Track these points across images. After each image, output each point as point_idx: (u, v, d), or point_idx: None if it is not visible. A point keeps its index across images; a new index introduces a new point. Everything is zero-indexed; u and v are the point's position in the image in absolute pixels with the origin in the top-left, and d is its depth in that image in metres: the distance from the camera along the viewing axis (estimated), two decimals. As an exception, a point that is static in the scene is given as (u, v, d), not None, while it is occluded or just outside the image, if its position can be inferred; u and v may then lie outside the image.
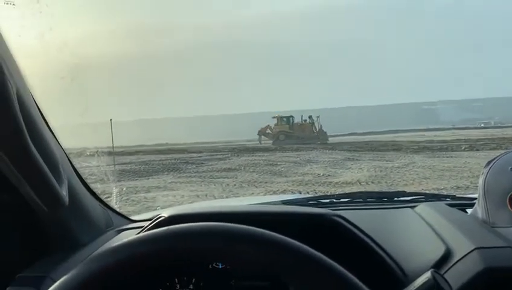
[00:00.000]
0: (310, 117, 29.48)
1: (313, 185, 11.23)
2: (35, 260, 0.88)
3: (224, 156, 19.58)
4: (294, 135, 28.07)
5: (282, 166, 15.01)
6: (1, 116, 0.57)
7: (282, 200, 1.37)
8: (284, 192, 9.94)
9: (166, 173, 14.68)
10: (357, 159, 16.10)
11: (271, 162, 15.96)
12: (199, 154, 20.77)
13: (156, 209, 1.33)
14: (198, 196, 10.20)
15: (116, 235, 1.07)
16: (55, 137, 0.91)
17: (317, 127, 28.75)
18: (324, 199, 1.37)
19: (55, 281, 0.63)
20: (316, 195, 1.74)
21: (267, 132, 29.73)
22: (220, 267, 0.96)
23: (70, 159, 0.98)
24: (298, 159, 16.91)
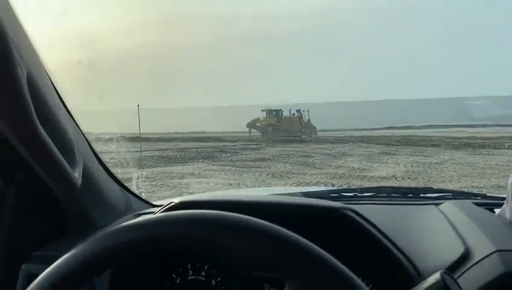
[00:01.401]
0: (297, 111, 29.92)
1: (347, 178, 11.08)
2: (51, 240, 0.90)
3: (258, 145, 19.63)
4: (281, 127, 28.73)
5: (316, 158, 14.88)
6: (9, 98, 0.58)
7: (303, 192, 1.35)
8: (316, 184, 9.87)
9: (201, 160, 14.90)
10: (393, 154, 15.72)
11: (305, 154, 15.86)
12: (233, 143, 20.92)
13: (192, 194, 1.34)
14: (230, 184, 10.31)
15: (135, 218, 1.08)
16: (74, 121, 0.92)
17: (304, 121, 29.14)
18: (347, 192, 1.34)
19: None
20: (340, 188, 1.70)
21: (257, 124, 30.54)
22: (232, 256, 0.95)
23: (90, 143, 1.00)
24: (333, 151, 16.71)
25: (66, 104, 0.86)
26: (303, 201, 0.96)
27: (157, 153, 15.92)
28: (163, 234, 0.51)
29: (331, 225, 0.84)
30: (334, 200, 1.14)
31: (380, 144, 19.33)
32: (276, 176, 11.56)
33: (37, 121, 0.63)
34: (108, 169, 1.06)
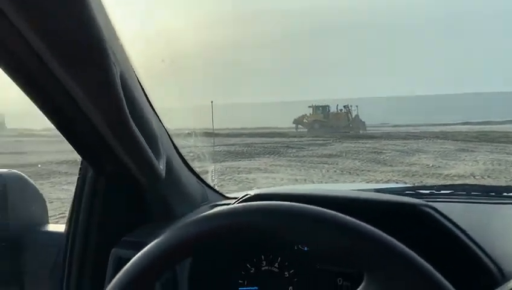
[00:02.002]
0: (345, 106, 29.09)
1: (420, 176, 10.59)
2: (136, 227, 0.97)
3: (325, 141, 19.37)
4: (328, 123, 28.26)
5: (387, 154, 14.38)
6: (106, 95, 0.64)
7: (376, 189, 1.32)
8: (387, 182, 9.54)
9: (267, 155, 15.02)
10: (471, 151, 14.74)
11: (375, 150, 15.39)
12: (300, 139, 20.83)
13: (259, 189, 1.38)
14: (297, 180, 10.29)
15: (210, 209, 1.13)
16: (157, 116, 0.99)
17: (352, 117, 28.34)
18: (423, 189, 1.29)
19: None
20: (415, 185, 1.64)
21: (303, 121, 30.11)
22: (306, 249, 0.96)
23: (171, 137, 1.05)
24: (405, 148, 16.04)
25: (150, 100, 0.92)
26: (379, 197, 0.95)
27: (225, 148, 16.29)
28: (247, 223, 0.54)
29: (408, 221, 0.82)
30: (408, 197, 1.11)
31: (456, 140, 18.23)
32: (344, 172, 11.35)
33: (129, 116, 0.68)
34: (186, 162, 1.12)
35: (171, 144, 1.04)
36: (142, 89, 0.87)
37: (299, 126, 30.26)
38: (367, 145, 17.20)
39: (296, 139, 20.45)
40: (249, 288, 0.97)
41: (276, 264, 0.97)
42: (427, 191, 1.24)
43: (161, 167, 0.82)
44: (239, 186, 9.62)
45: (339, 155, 14.42)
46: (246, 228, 0.56)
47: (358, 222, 0.51)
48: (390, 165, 12.32)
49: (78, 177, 0.95)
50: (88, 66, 0.60)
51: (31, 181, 1.06)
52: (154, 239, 0.89)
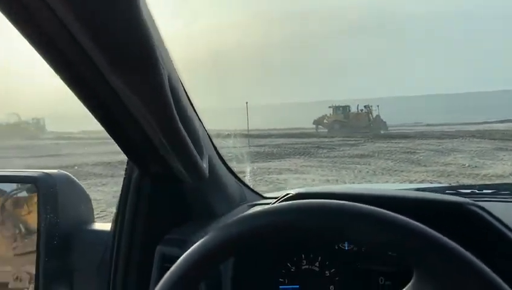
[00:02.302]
0: (365, 106, 28.84)
1: (456, 176, 10.28)
2: (178, 225, 1.00)
3: (356, 141, 19.12)
4: (348, 124, 27.97)
5: (421, 154, 14.05)
6: (156, 98, 0.66)
7: (416, 188, 1.30)
8: (421, 182, 9.32)
9: (297, 156, 14.97)
10: (511, 150, 14.20)
11: (408, 150, 15.07)
12: (331, 139, 20.64)
13: (286, 189, 1.39)
14: (328, 181, 10.20)
15: (249, 209, 1.15)
16: (197, 116, 1.01)
17: (372, 117, 28.04)
18: (464, 189, 1.26)
19: None
20: (455, 185, 1.60)
21: (324, 121, 29.88)
22: (346, 248, 0.96)
23: (211, 137, 1.07)
24: (440, 147, 15.62)
25: (192, 102, 0.94)
26: (424, 195, 0.93)
27: (255, 148, 16.34)
28: (294, 221, 0.54)
29: (455, 220, 0.80)
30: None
31: (493, 139, 17.60)
32: (376, 173, 11.16)
33: (177, 117, 0.70)
34: (225, 162, 1.14)
35: (211, 144, 1.06)
36: (184, 90, 0.90)
37: (319, 126, 30.22)
38: (400, 145, 16.86)
39: (326, 140, 20.29)
40: (290, 286, 0.98)
41: (317, 263, 0.98)
42: (469, 191, 1.21)
43: (205, 166, 0.84)
44: (269, 187, 9.62)
45: (371, 155, 14.20)
46: (298, 226, 0.57)
47: (408, 219, 0.50)
48: (425, 165, 12.03)
49: (124, 178, 0.98)
50: (139, 69, 0.62)
51: (78, 182, 1.10)
52: (196, 237, 0.92)
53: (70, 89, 0.72)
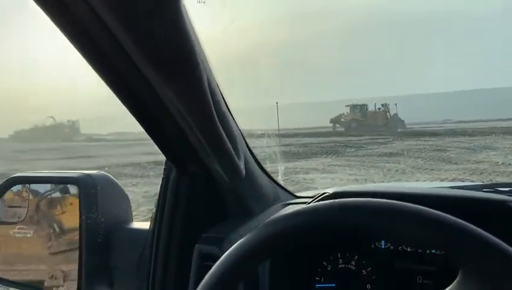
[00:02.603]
0: (383, 105, 28.92)
1: (490, 174, 9.98)
2: (215, 224, 1.01)
3: (385, 140, 18.82)
4: (365, 122, 27.95)
5: (452, 152, 13.71)
6: (197, 100, 0.68)
7: (451, 186, 1.27)
8: (453, 181, 9.09)
9: (324, 155, 14.86)
10: (547, 146, 13.68)
11: (439, 148, 14.73)
12: (358, 138, 20.39)
13: (316, 189, 1.39)
14: (357, 180, 10.08)
15: (283, 208, 1.15)
16: (232, 116, 1.02)
17: (390, 115, 28.01)
18: (502, 187, 1.23)
19: (232, 243, 0.72)
20: (493, 182, 1.56)
21: (341, 120, 29.62)
22: (383, 247, 0.96)
23: (244, 137, 1.09)
24: (472, 144, 15.20)
25: (227, 102, 0.95)
26: (463, 193, 0.92)
27: (281, 148, 16.30)
28: (342, 220, 0.55)
29: (496, 219, 0.79)
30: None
31: (529, 135, 16.99)
32: (406, 171, 10.96)
33: (216, 118, 0.71)
34: (258, 161, 1.15)
35: (245, 144, 1.07)
36: (220, 91, 0.91)
37: (337, 125, 30.18)
38: (430, 143, 16.50)
39: (354, 139, 20.04)
40: (326, 285, 0.98)
41: (353, 262, 0.98)
42: (506, 189, 1.18)
43: (241, 166, 0.85)
44: (296, 187, 9.58)
45: (400, 154, 13.95)
46: (342, 225, 0.57)
47: (455, 217, 0.50)
48: (456, 163, 11.73)
49: (163, 178, 1.01)
50: (181, 71, 0.64)
51: (117, 182, 1.14)
52: (234, 235, 0.93)
53: (112, 91, 0.74)
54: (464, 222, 0.50)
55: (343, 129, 28.69)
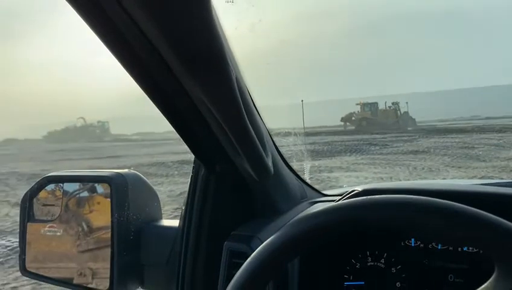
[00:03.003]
0: (393, 103, 29.40)
1: (520, 171, 9.70)
2: (243, 222, 1.02)
3: (410, 137, 18.49)
4: (376, 121, 28.25)
5: (480, 149, 13.37)
6: (226, 98, 0.68)
7: (483, 183, 1.25)
8: (482, 178, 8.86)
9: (348, 153, 14.72)
10: None
11: (466, 145, 14.38)
12: (383, 136, 20.11)
13: (341, 188, 1.38)
14: (382, 179, 9.96)
15: (310, 206, 1.15)
16: (259, 115, 1.03)
17: (400, 113, 28.47)
18: None
19: (261, 241, 0.72)
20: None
21: (352, 118, 29.76)
22: (413, 245, 0.95)
23: (271, 135, 1.09)
24: (501, 141, 14.78)
25: (254, 100, 0.96)
26: (496, 190, 0.90)
27: (307, 146, 16.18)
28: (382, 216, 0.54)
29: None
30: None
31: (562, 131, 16.39)
32: (433, 169, 10.75)
33: (246, 116, 0.72)
34: (285, 159, 1.15)
35: (272, 142, 1.08)
36: (247, 89, 0.92)
37: (347, 124, 30.33)
38: (456, 140, 16.14)
39: (379, 136, 19.77)
40: (355, 283, 0.98)
41: (382, 260, 0.97)
42: None
43: (270, 164, 0.86)
44: (320, 185, 9.52)
45: (426, 151, 13.69)
46: (359, 221, 0.57)
47: (491, 214, 0.49)
48: (484, 161, 11.43)
49: (191, 176, 1.02)
50: (211, 70, 0.65)
51: (147, 180, 1.16)
52: (262, 233, 0.94)
53: (143, 89, 0.76)
54: (501, 219, 0.49)
55: (353, 128, 29.05)
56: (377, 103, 30.62)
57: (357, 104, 30.96)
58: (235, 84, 0.68)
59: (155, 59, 0.67)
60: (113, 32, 0.63)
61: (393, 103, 29.66)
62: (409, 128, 26.42)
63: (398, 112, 29.09)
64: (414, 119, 29.66)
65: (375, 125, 27.33)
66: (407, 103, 29.39)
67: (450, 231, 0.51)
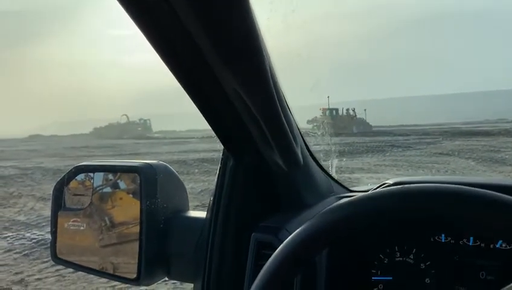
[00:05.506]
0: (347, 109, 35.29)
1: (548, 176, 9.42)
2: (270, 213, 1.03)
3: (434, 139, 18.19)
4: (334, 126, 31.42)
5: (506, 153, 13.03)
6: (261, 88, 0.69)
7: None
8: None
9: (370, 155, 14.57)
10: None
11: (492, 148, 14.04)
12: (406, 138, 19.82)
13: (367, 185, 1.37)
14: (404, 181, 9.80)
15: (337, 201, 1.15)
16: (289, 108, 1.03)
17: (355, 119, 33.69)
18: None
19: (289, 232, 0.72)
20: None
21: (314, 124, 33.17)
22: (443, 240, 0.93)
23: (299, 127, 1.09)
24: (528, 145, 14.37)
25: (284, 93, 0.96)
26: None
27: (326, 147, 16.10)
28: (411, 205, 0.54)
29: None
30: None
31: None
32: (457, 173, 10.54)
33: (279, 106, 0.73)
34: (312, 153, 1.15)
35: (300, 136, 1.08)
36: (278, 81, 0.92)
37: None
38: (482, 143, 15.77)
39: (401, 138, 19.50)
40: (382, 278, 0.97)
41: (411, 256, 0.96)
42: None
43: (300, 154, 0.86)
44: (341, 186, 9.40)
45: (451, 154, 13.42)
46: (392, 212, 0.57)
47: None
48: (511, 165, 11.13)
49: (219, 167, 1.03)
50: (246, 61, 0.65)
51: (175, 171, 1.18)
52: (290, 225, 0.94)
53: (177, 79, 0.77)
54: None
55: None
56: (337, 109, 35.38)
57: (320, 109, 34.71)
58: (269, 74, 0.69)
59: (189, 46, 0.68)
60: (151, 23, 0.65)
61: (347, 109, 35.48)
62: (355, 131, 30.91)
63: (354, 118, 34.73)
64: (370, 124, 34.98)
65: (333, 128, 30.08)
66: (365, 110, 36.50)
67: (490, 221, 0.49)
